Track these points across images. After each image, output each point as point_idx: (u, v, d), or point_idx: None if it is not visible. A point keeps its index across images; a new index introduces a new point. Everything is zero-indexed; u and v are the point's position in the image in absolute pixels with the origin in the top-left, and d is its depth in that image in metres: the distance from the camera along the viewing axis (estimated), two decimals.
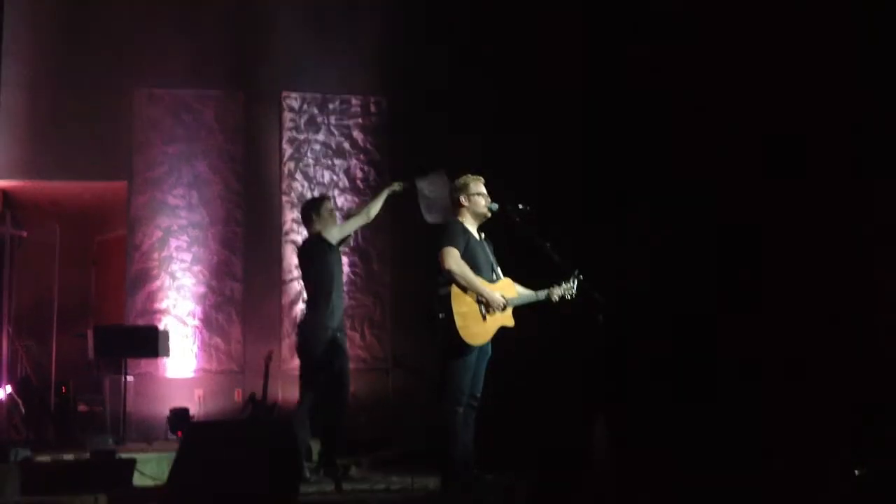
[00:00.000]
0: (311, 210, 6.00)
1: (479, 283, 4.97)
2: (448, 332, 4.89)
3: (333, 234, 5.83)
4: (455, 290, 4.93)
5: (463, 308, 4.92)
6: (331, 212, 6.03)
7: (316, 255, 5.81)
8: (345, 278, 8.71)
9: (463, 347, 4.92)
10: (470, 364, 4.99)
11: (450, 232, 5.06)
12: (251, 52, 8.95)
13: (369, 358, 8.83)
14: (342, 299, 5.90)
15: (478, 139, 7.87)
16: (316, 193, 8.88)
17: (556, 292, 5.20)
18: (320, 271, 5.75)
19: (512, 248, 5.28)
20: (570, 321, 5.51)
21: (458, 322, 4.88)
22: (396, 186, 5.99)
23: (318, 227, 5.90)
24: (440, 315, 4.91)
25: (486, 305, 4.97)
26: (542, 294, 5.22)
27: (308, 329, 5.77)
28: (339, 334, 5.82)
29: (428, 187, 5.86)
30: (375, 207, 5.97)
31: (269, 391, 7.44)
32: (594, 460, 4.94)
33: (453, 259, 4.94)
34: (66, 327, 8.37)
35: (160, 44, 8.74)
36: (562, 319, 5.54)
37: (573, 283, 5.21)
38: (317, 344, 5.68)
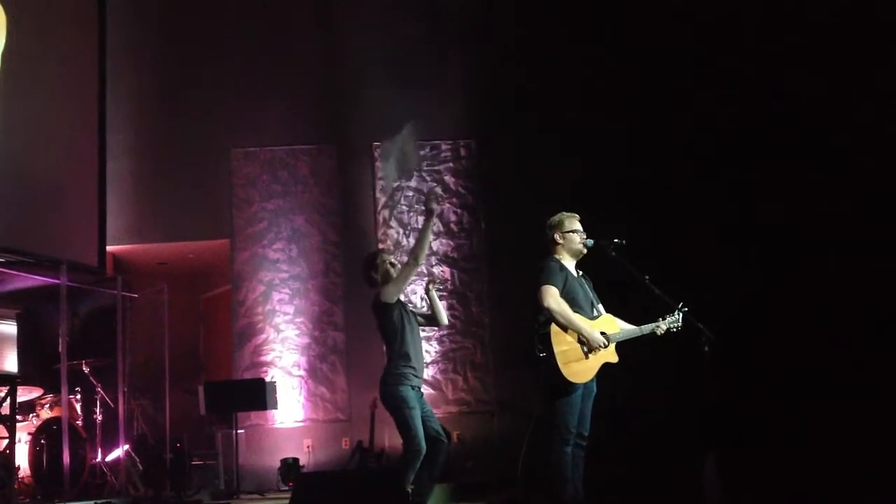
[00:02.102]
0: (370, 269, 5.62)
1: (578, 321, 4.92)
2: (551, 371, 4.84)
3: (389, 293, 5.43)
4: (555, 328, 4.89)
5: (564, 346, 4.87)
6: (388, 263, 5.63)
7: (380, 313, 5.51)
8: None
9: (566, 386, 4.86)
10: (575, 402, 4.93)
11: (548, 270, 5.04)
12: (341, 107, 9.16)
13: (473, 401, 8.81)
14: (417, 351, 5.48)
15: (568, 176, 7.83)
16: (411, 239, 8.99)
17: (662, 326, 5.11)
18: (387, 330, 5.46)
19: (613, 283, 5.22)
20: (674, 354, 5.40)
21: (560, 360, 4.84)
22: (434, 206, 5.44)
23: (381, 283, 5.57)
24: (541, 354, 4.87)
25: (587, 343, 4.92)
26: (646, 329, 5.13)
27: (383, 384, 5.44)
28: (418, 386, 5.45)
29: (397, 151, 5.77)
30: (423, 251, 5.42)
31: (375, 439, 7.48)
32: (707, 498, 4.80)
33: (552, 297, 4.91)
34: (178, 384, 8.60)
35: (253, 104, 9.06)
36: (665, 353, 5.43)
37: (678, 315, 5.12)
38: (395, 396, 5.37)
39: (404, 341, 5.40)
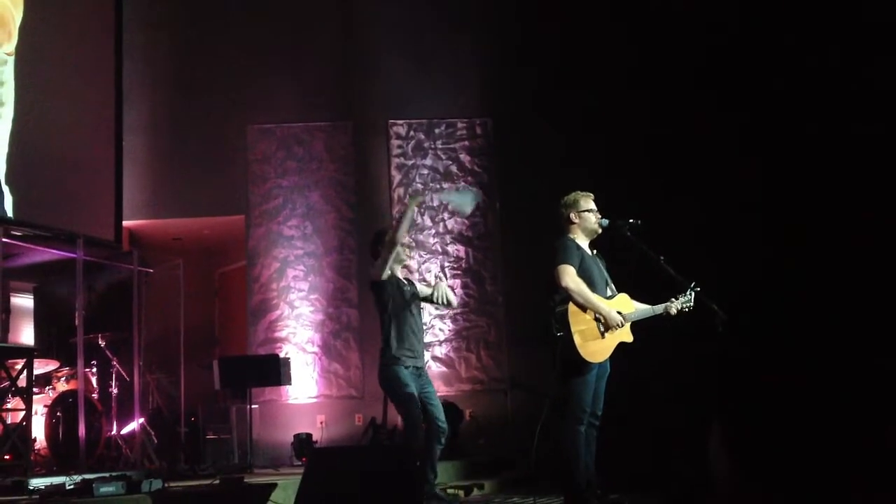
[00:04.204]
0: (378, 245, 5.61)
1: (596, 300, 4.91)
2: (567, 350, 4.84)
3: (376, 271, 5.50)
4: (572, 307, 4.87)
5: (581, 326, 4.86)
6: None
7: (375, 292, 5.58)
8: (458, 301, 8.80)
9: (582, 365, 4.86)
10: (590, 382, 4.92)
11: (564, 249, 5.02)
12: (357, 84, 9.15)
13: (486, 379, 8.83)
14: (412, 332, 5.47)
15: (584, 154, 7.80)
16: (426, 217, 8.99)
17: (675, 305, 5.09)
18: (381, 308, 5.51)
19: (625, 263, 5.20)
20: (687, 334, 5.37)
21: (577, 340, 4.83)
22: (416, 203, 5.72)
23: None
24: (558, 333, 4.87)
25: (603, 322, 4.91)
26: (659, 308, 5.12)
27: (381, 363, 5.49)
28: (414, 366, 5.44)
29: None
30: (402, 233, 5.47)
31: (388, 415, 7.51)
32: (715, 475, 4.80)
33: (570, 276, 4.89)
34: (193, 358, 8.65)
35: (269, 81, 9.05)
36: (678, 333, 5.41)
37: (690, 295, 5.10)
38: (388, 377, 5.42)
39: (394, 321, 5.43)
